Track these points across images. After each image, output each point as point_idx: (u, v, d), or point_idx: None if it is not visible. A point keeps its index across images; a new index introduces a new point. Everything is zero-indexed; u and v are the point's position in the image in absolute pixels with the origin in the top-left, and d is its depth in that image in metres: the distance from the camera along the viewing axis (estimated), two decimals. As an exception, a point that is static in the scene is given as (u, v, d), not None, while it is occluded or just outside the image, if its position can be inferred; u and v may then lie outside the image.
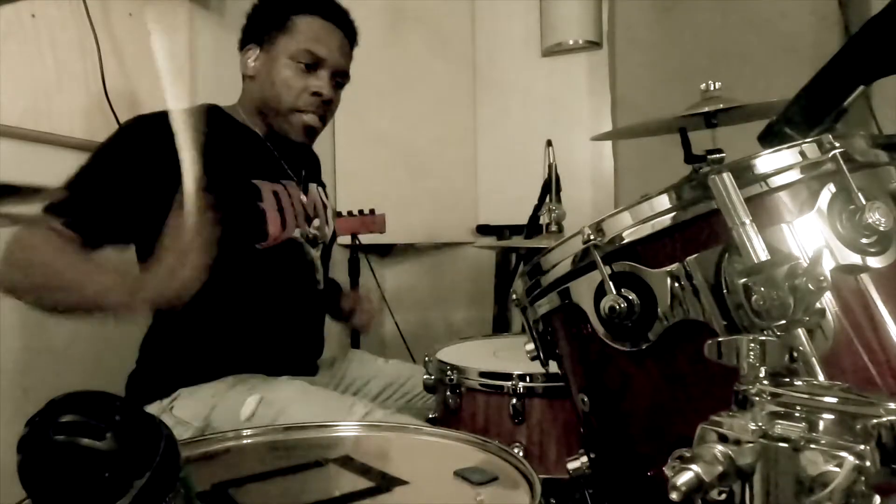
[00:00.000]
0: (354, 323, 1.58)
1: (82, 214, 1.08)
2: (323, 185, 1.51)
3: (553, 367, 0.84)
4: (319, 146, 1.58)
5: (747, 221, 0.56)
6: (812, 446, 0.41)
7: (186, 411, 1.16)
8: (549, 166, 1.55)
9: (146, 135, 1.16)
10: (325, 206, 1.45)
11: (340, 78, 1.33)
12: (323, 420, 0.99)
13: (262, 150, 1.33)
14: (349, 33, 1.35)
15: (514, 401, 1.11)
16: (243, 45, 1.34)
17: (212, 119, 1.29)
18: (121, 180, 1.13)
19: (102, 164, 1.15)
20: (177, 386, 1.19)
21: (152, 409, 1.17)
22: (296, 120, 1.29)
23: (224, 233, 1.17)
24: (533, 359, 0.84)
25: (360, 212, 2.12)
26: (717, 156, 1.22)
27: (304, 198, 1.37)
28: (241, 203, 1.23)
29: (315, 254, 1.38)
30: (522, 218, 1.94)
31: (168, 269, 0.96)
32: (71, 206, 1.08)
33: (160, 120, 1.18)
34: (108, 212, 1.11)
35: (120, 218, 1.12)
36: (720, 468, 0.43)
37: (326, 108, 1.32)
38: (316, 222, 1.39)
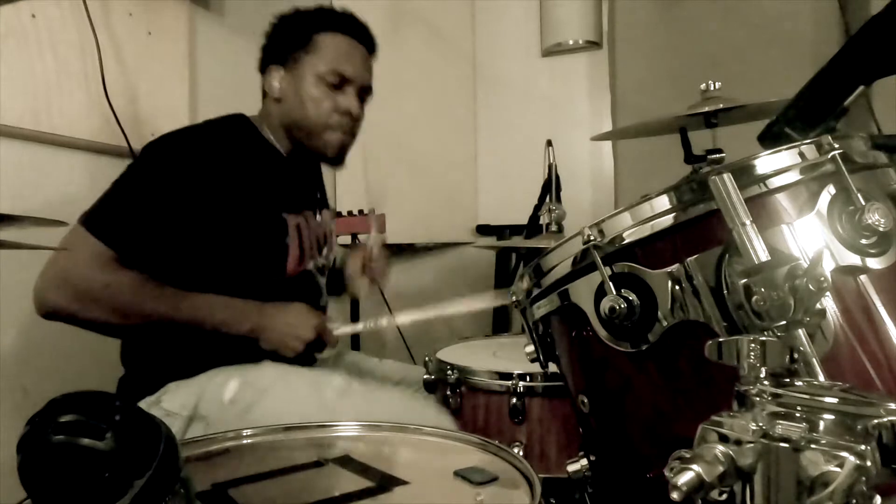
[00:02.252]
0: (370, 277, 1.55)
1: (118, 230, 1.11)
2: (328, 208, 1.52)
3: (553, 368, 0.84)
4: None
5: (748, 222, 0.56)
6: (813, 446, 0.41)
7: (175, 402, 1.17)
8: (549, 166, 1.55)
9: (181, 155, 1.19)
10: (331, 232, 1.47)
11: (366, 94, 1.36)
12: (303, 396, 1.10)
13: (287, 174, 1.33)
14: (370, 48, 1.38)
15: (514, 400, 1.11)
16: (265, 64, 1.33)
17: (241, 133, 1.29)
18: (153, 199, 1.15)
19: (134, 184, 1.17)
20: (163, 382, 1.21)
21: (142, 405, 1.17)
22: (329, 137, 1.30)
23: (245, 263, 1.20)
24: (533, 360, 0.84)
25: (360, 212, 2.12)
26: (717, 156, 1.22)
27: (318, 223, 1.38)
28: (269, 238, 1.25)
29: (322, 280, 1.40)
30: (522, 218, 1.94)
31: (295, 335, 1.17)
32: (106, 222, 1.11)
33: (193, 138, 1.22)
34: (144, 229, 1.13)
35: (155, 236, 1.14)
36: (721, 468, 0.43)
37: (355, 125, 1.34)
38: (324, 251, 1.41)
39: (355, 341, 2.11)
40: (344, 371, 1.46)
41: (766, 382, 0.47)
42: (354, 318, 2.09)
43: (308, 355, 1.22)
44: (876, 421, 0.41)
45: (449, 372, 1.18)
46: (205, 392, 1.16)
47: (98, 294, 1.09)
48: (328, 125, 1.29)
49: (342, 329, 1.26)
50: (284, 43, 1.31)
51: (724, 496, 0.45)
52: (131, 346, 1.26)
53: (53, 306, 1.09)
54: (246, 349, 1.22)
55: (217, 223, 1.17)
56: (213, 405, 1.14)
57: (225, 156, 1.20)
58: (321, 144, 1.30)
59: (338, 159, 1.35)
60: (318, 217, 1.39)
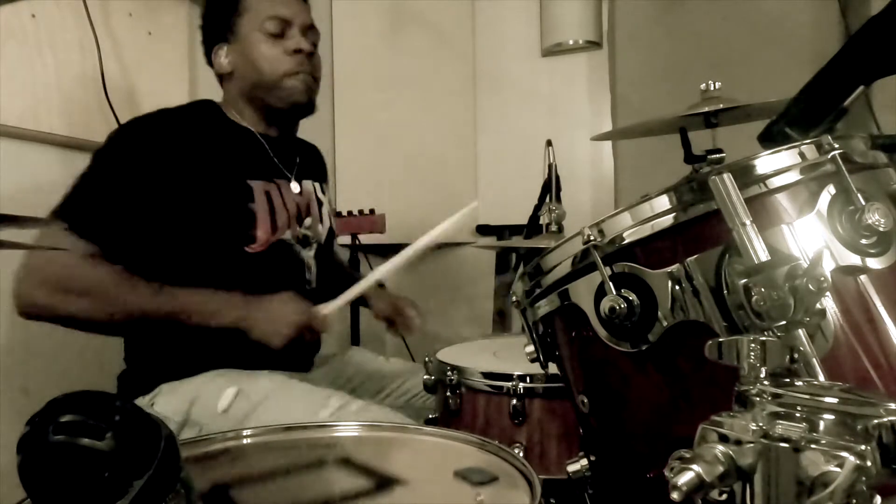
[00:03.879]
0: (396, 330, 1.52)
1: (93, 222, 1.10)
2: (321, 182, 1.48)
3: (553, 368, 0.84)
4: (319, 146, 1.58)
5: (748, 222, 0.56)
6: (813, 446, 0.41)
7: (167, 407, 1.16)
8: (549, 166, 1.54)
9: (144, 139, 1.19)
10: (319, 204, 1.42)
11: (312, 35, 1.33)
12: (299, 412, 1.07)
13: (255, 146, 1.32)
14: None
15: (515, 401, 1.11)
16: (209, 50, 1.34)
17: (206, 115, 1.30)
18: (121, 185, 1.14)
19: (106, 172, 1.16)
20: (158, 381, 1.20)
21: None
22: (289, 83, 1.28)
23: (212, 234, 1.19)
24: (533, 361, 0.84)
25: (360, 212, 2.12)
26: (717, 156, 1.22)
27: (297, 193, 1.35)
28: (232, 204, 1.22)
29: (307, 254, 1.36)
30: (522, 218, 1.94)
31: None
32: (80, 215, 1.10)
33: (155, 122, 1.22)
34: (117, 218, 1.13)
35: (133, 228, 1.14)
36: (721, 468, 0.43)
37: (312, 64, 1.31)
38: (307, 221, 1.36)
39: (356, 339, 2.11)
40: (348, 376, 1.46)
41: (766, 382, 0.47)
42: (354, 312, 2.09)
43: (299, 346, 1.18)
44: (876, 421, 0.41)
45: (449, 373, 1.18)
46: (198, 398, 1.15)
47: (77, 285, 1.07)
48: (285, 72, 1.27)
49: (329, 307, 1.19)
50: (218, 19, 1.31)
51: (724, 496, 0.45)
52: (132, 343, 1.26)
53: (33, 301, 1.07)
54: (241, 352, 1.21)
55: (182, 196, 1.17)
56: (207, 413, 1.13)
57: (185, 132, 1.22)
58: (286, 94, 1.28)
59: (308, 105, 1.33)
60: (294, 186, 1.36)
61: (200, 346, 1.20)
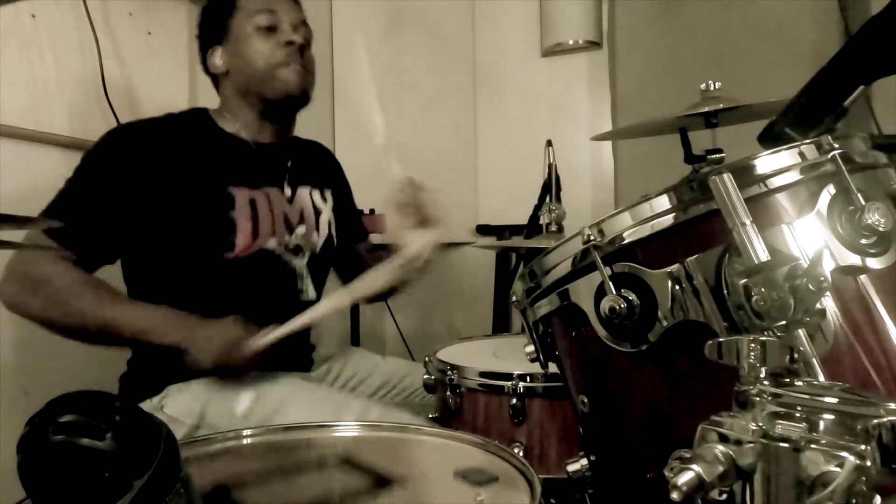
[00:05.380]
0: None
1: (75, 235, 1.12)
2: (323, 188, 1.45)
3: (553, 368, 0.84)
4: (319, 146, 1.57)
5: (748, 222, 0.56)
6: (813, 446, 0.41)
7: (178, 409, 1.16)
8: (549, 166, 1.54)
9: (129, 146, 1.21)
10: (316, 213, 1.40)
11: (304, 30, 1.33)
12: (320, 418, 1.01)
13: (243, 154, 1.31)
14: None
15: (514, 401, 1.11)
16: (203, 53, 1.35)
17: (194, 124, 1.31)
18: (107, 197, 1.16)
19: (88, 179, 1.18)
20: (165, 383, 1.19)
21: (143, 407, 1.17)
22: (282, 74, 1.28)
23: (192, 241, 1.19)
24: (533, 360, 0.84)
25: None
26: (717, 156, 1.22)
27: (287, 200, 1.34)
28: (212, 212, 1.22)
29: (299, 263, 1.33)
30: (522, 218, 1.94)
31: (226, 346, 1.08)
32: (63, 226, 1.12)
33: (142, 130, 1.24)
34: (99, 231, 1.15)
35: (110, 236, 1.17)
36: (721, 468, 0.43)
37: (304, 56, 1.32)
38: (300, 230, 1.34)
39: (356, 338, 2.11)
40: (347, 375, 1.46)
41: (766, 382, 0.47)
42: (354, 312, 2.09)
43: (230, 374, 1.15)
44: (876, 421, 0.41)
45: (449, 372, 1.18)
46: (211, 400, 1.15)
47: (42, 287, 1.09)
48: (278, 63, 1.28)
49: (265, 338, 1.12)
50: (212, 22, 1.33)
51: (724, 496, 0.45)
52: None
53: (6, 298, 1.11)
54: None
55: (163, 204, 1.18)
56: (223, 416, 1.12)
57: (169, 141, 1.23)
58: (280, 85, 1.29)
59: (303, 97, 1.33)
60: (286, 193, 1.34)
61: None
